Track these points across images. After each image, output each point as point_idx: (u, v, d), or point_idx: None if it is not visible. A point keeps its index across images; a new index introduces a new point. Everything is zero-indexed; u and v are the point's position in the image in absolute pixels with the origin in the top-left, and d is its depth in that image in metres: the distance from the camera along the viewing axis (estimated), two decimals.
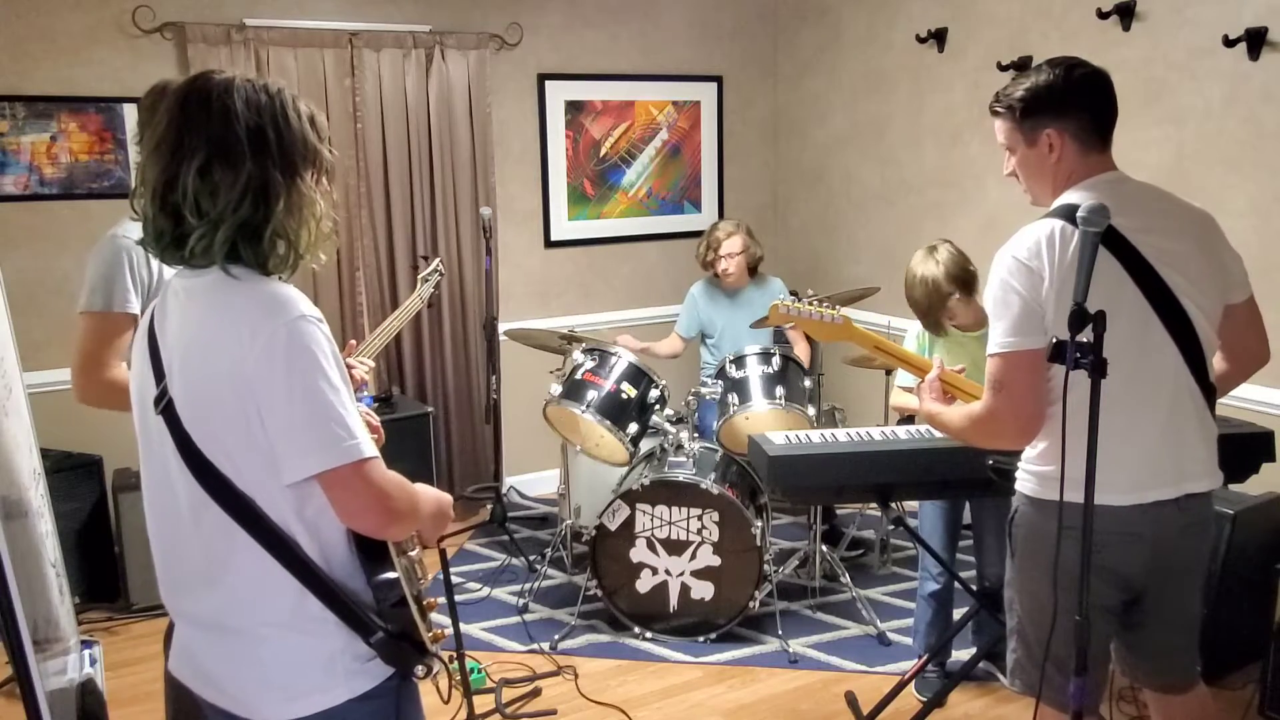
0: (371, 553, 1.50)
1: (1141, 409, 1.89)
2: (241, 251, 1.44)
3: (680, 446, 3.78)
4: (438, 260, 3.53)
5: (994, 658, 3.22)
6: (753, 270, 4.50)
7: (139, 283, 2.19)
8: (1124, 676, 2.20)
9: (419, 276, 3.38)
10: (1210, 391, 2.00)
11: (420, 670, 1.51)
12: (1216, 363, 2.09)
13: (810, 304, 2.49)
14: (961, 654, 3.39)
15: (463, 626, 3.47)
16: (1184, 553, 2.00)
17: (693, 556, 3.61)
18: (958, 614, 3.28)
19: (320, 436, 1.38)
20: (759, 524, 3.57)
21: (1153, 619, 2.06)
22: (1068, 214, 1.91)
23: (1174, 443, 1.95)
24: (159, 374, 1.48)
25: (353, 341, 2.58)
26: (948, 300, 3.03)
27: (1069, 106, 1.97)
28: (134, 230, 2.12)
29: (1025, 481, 2.05)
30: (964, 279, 3.05)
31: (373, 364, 2.36)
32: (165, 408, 1.46)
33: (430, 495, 1.60)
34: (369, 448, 1.42)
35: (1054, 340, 1.69)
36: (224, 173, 1.41)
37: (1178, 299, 1.92)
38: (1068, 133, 1.98)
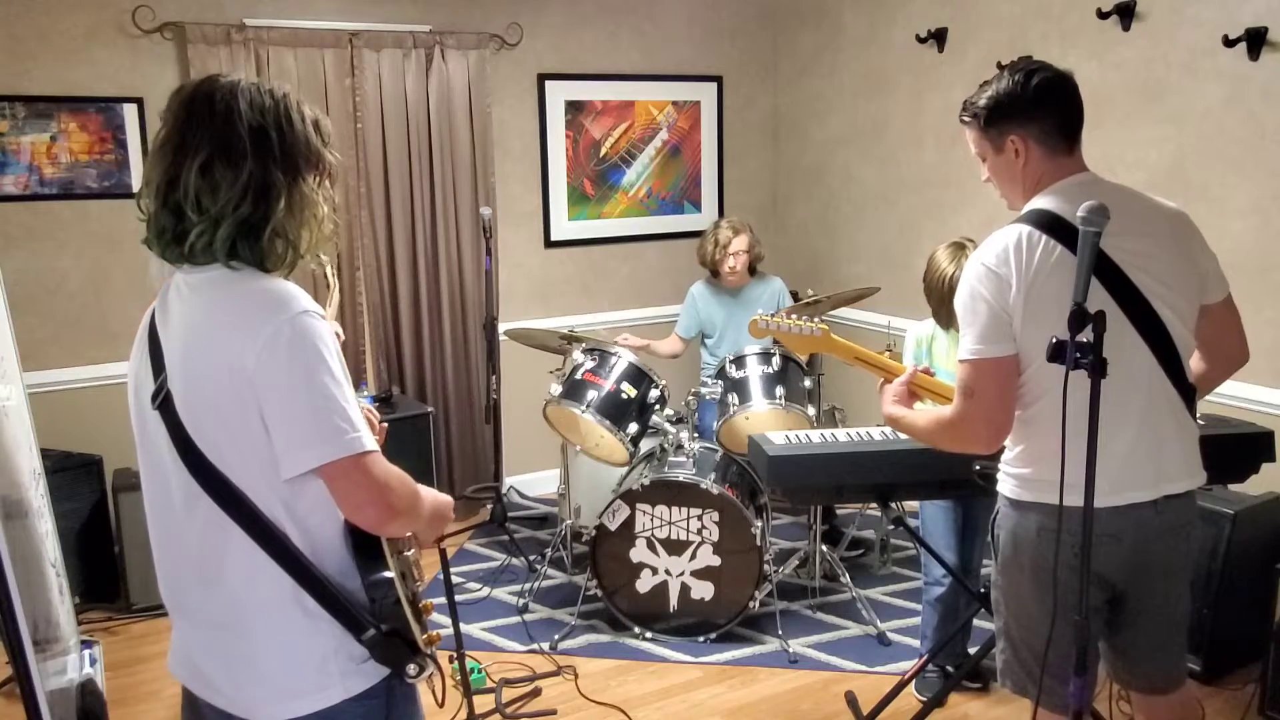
0: (366, 552, 1.50)
1: (1115, 412, 1.89)
2: (240, 249, 1.46)
3: (680, 446, 3.78)
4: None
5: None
6: (753, 269, 4.51)
7: None
8: (1114, 680, 2.20)
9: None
10: (1189, 392, 2.00)
11: (412, 669, 1.51)
12: (1196, 363, 2.09)
13: (789, 317, 2.49)
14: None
15: (463, 626, 3.47)
16: (1165, 554, 2.00)
17: (693, 556, 3.61)
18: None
19: (322, 429, 1.39)
20: (759, 524, 3.57)
21: (1137, 620, 2.06)
22: (1035, 219, 1.93)
23: (1150, 444, 1.95)
24: (157, 369, 1.49)
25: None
26: None
27: (1031, 111, 1.98)
28: None
29: (1005, 483, 2.06)
30: None
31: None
32: (162, 402, 1.47)
33: (431, 495, 1.61)
34: (370, 441, 1.43)
35: (1054, 340, 1.69)
36: (225, 170, 1.43)
37: (1149, 301, 1.92)
38: (1031, 137, 1.98)
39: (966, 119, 2.07)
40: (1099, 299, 1.87)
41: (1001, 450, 2.07)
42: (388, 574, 1.50)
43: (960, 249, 3.08)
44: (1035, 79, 1.98)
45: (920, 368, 2.30)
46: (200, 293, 1.48)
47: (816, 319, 2.47)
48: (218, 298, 1.46)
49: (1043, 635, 1.89)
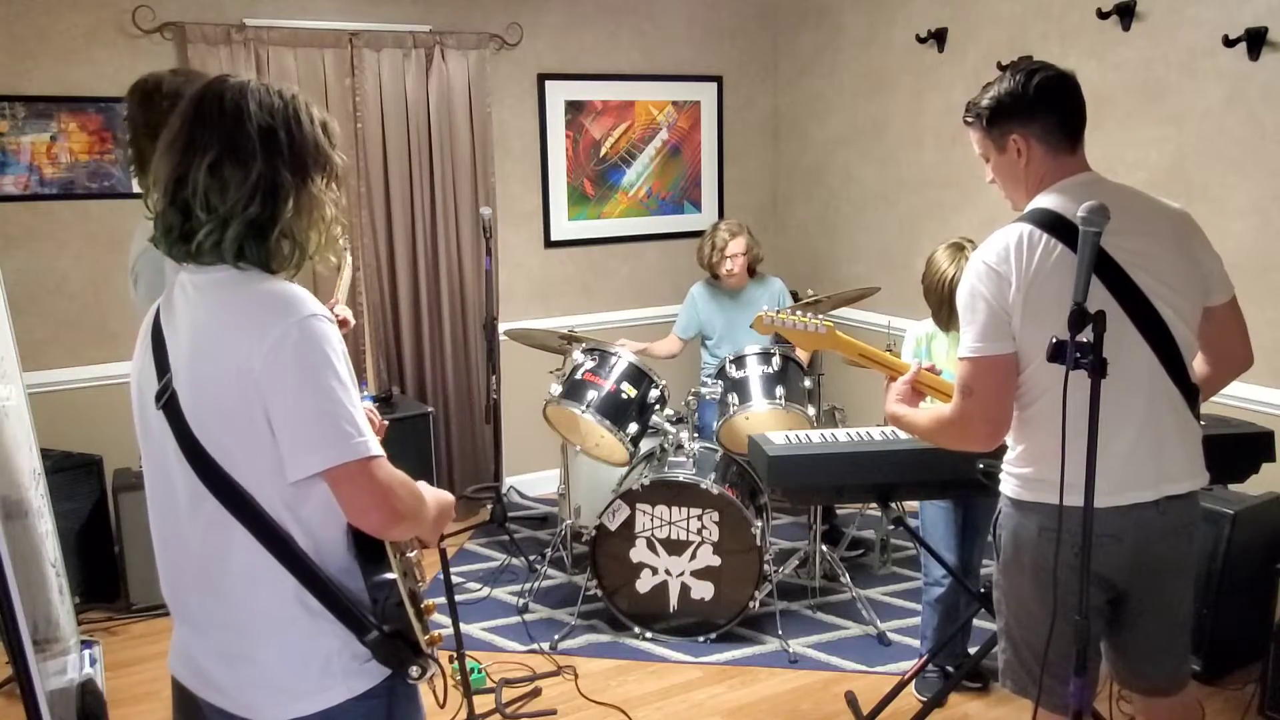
0: (369, 553, 1.50)
1: (1115, 412, 1.89)
2: (246, 249, 1.46)
3: (680, 446, 3.78)
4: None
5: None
6: (752, 270, 4.51)
7: None
8: (1116, 681, 2.20)
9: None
10: (1191, 393, 1.99)
11: (415, 671, 1.52)
12: (1199, 365, 2.09)
13: (794, 314, 2.50)
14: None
15: (463, 626, 3.47)
16: (1168, 555, 2.00)
17: (693, 556, 3.61)
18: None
19: (329, 433, 1.39)
20: (759, 524, 3.57)
21: (1139, 621, 2.06)
22: (1036, 218, 1.94)
23: (1151, 445, 1.95)
24: (161, 369, 1.49)
25: (334, 299, 2.76)
26: None
27: (1032, 110, 1.99)
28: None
29: (1006, 483, 2.07)
30: None
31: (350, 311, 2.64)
32: (167, 403, 1.47)
33: (434, 496, 1.60)
34: (376, 446, 1.43)
35: (1054, 340, 1.69)
36: (234, 170, 1.43)
37: (1150, 301, 1.92)
38: (1033, 136, 2.00)
39: (969, 119, 2.09)
40: (1099, 298, 1.87)
41: (1004, 449, 2.08)
42: (390, 575, 1.50)
43: (959, 249, 3.08)
44: (1036, 78, 1.99)
45: (925, 365, 2.30)
46: (206, 294, 1.47)
47: (821, 316, 2.47)
48: (225, 299, 1.46)
49: (1043, 635, 1.89)
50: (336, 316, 2.58)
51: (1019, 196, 2.07)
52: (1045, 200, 1.98)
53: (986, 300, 1.92)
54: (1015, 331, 1.91)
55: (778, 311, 2.55)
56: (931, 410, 2.14)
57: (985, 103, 2.03)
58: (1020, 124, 1.99)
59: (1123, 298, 1.91)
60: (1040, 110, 1.98)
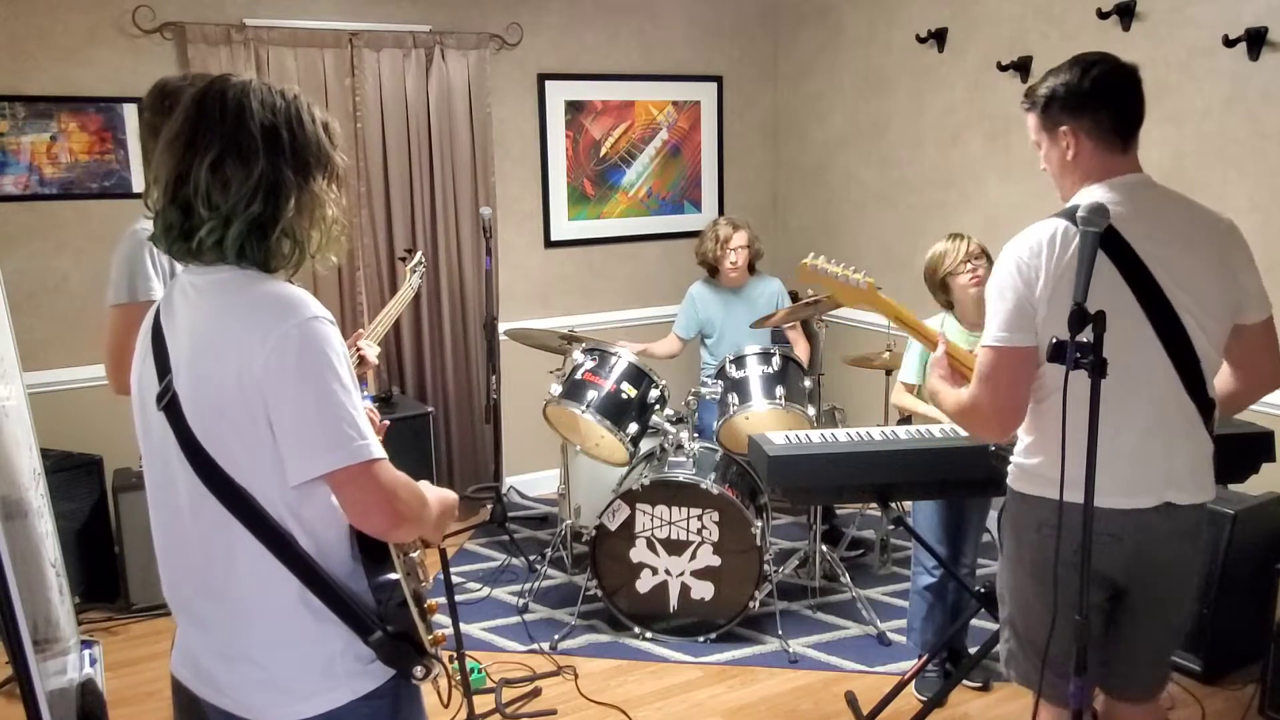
0: (373, 554, 1.50)
1: (1123, 414, 1.89)
2: (247, 248, 1.45)
3: (680, 446, 3.78)
4: (419, 253, 3.55)
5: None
6: (752, 267, 4.51)
7: (160, 271, 2.26)
8: (1095, 680, 2.20)
9: (408, 268, 3.40)
10: (1208, 408, 1.98)
11: (419, 671, 1.52)
12: (1228, 381, 2.07)
13: (837, 265, 2.50)
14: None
15: (463, 626, 3.47)
16: (1169, 558, 1.99)
17: (693, 556, 3.61)
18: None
19: (331, 436, 1.39)
20: (759, 524, 3.57)
21: (1132, 619, 2.05)
22: (1072, 215, 1.92)
23: (1158, 451, 1.94)
24: (162, 370, 1.49)
25: (359, 331, 2.64)
26: (959, 273, 3.11)
27: (1085, 106, 1.97)
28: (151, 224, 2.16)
29: (1011, 474, 2.08)
30: (987, 255, 3.14)
31: (379, 349, 2.49)
32: (168, 404, 1.46)
33: (437, 497, 1.60)
34: (378, 449, 1.43)
35: (1054, 340, 1.69)
36: (236, 168, 1.43)
37: (1175, 311, 1.91)
38: (1083, 131, 1.97)
39: (1025, 105, 2.07)
40: (1124, 302, 1.88)
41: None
42: (394, 575, 1.50)
43: (958, 236, 3.15)
44: (1094, 72, 1.96)
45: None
46: (207, 295, 1.47)
47: (863, 271, 2.48)
48: (226, 300, 1.45)
49: (1044, 631, 1.89)
50: (358, 351, 2.55)
51: (1064, 187, 2.06)
52: (1085, 196, 1.95)
53: (1016, 291, 1.92)
54: (1039, 325, 1.91)
55: (820, 260, 2.56)
56: (957, 392, 2.14)
57: (1042, 91, 2.01)
58: (1071, 117, 1.97)
59: (1148, 304, 1.90)
60: (1092, 106, 1.95)
